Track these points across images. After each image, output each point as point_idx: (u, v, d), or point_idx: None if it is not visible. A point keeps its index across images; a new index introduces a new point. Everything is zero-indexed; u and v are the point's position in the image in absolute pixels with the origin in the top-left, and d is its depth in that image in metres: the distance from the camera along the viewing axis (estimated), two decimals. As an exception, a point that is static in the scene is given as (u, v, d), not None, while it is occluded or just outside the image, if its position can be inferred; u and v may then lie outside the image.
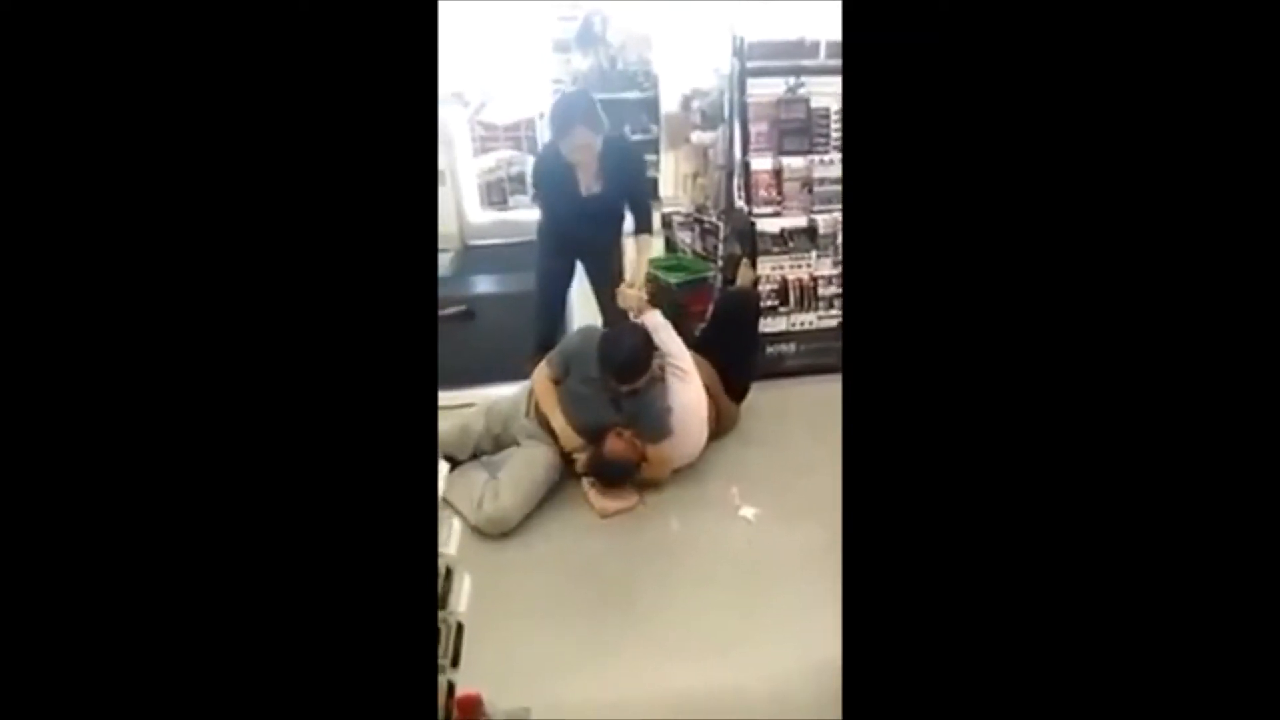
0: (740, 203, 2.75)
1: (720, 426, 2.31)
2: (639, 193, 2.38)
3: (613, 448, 2.01)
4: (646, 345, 2.06)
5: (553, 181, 2.27)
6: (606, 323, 2.37)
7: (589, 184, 2.24)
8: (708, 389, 2.19)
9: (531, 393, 2.14)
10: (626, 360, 2.00)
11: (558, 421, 2.04)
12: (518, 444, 2.09)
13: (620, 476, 2.03)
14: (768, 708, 1.35)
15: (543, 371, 2.14)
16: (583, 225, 2.33)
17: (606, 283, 2.38)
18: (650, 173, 4.84)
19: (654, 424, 2.06)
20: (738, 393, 2.41)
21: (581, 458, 2.04)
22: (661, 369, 2.11)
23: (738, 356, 2.38)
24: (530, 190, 2.46)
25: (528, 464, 1.99)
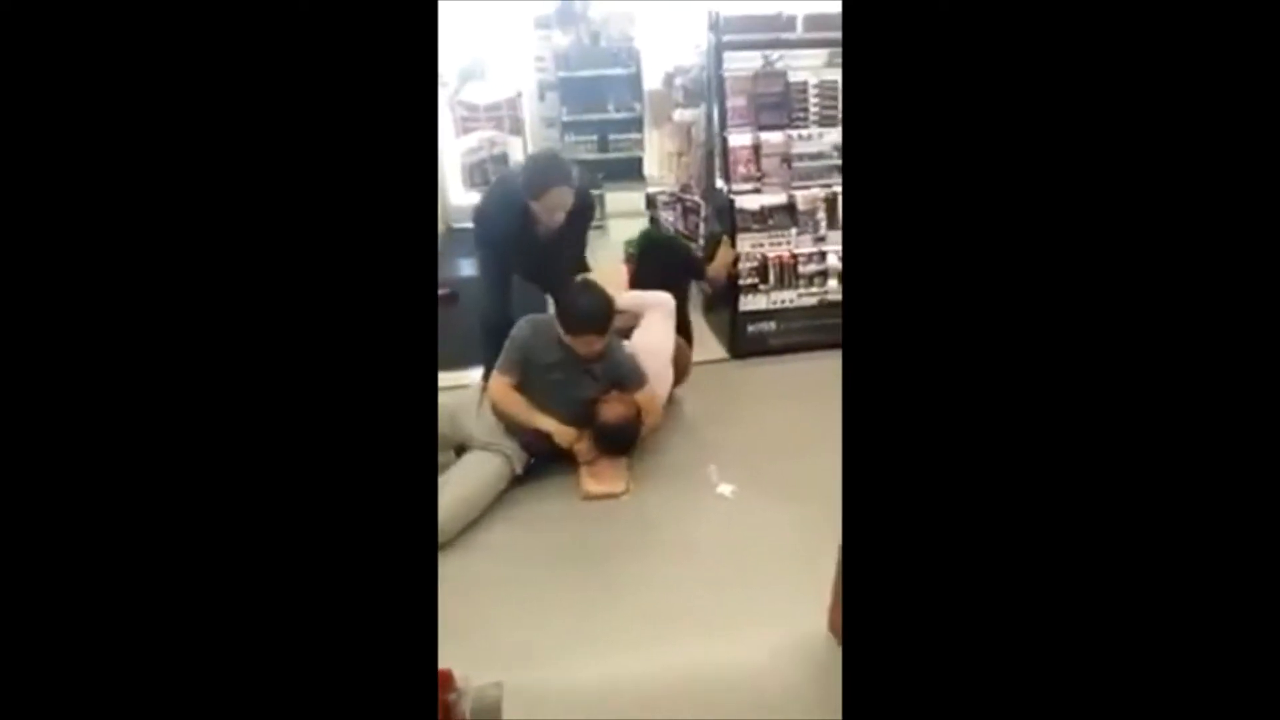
0: (720, 181, 2.73)
1: (678, 367, 2.35)
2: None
3: (613, 412, 2.00)
4: (603, 293, 2.04)
5: (504, 222, 2.20)
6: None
7: (549, 226, 2.20)
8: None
9: (484, 396, 2.08)
10: (590, 311, 1.97)
11: (548, 424, 2.00)
12: (467, 447, 2.03)
13: (630, 439, 2.03)
14: (744, 685, 1.35)
15: (500, 382, 2.02)
16: (533, 260, 2.30)
17: (557, 284, 2.36)
18: (635, 152, 4.84)
19: (631, 373, 2.08)
20: (681, 332, 2.44)
21: (581, 447, 2.02)
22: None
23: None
24: (475, 223, 2.39)
25: (474, 477, 1.91)
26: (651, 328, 2.29)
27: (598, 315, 1.97)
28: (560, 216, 2.16)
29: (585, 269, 2.44)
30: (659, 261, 2.55)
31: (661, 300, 2.33)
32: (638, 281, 2.51)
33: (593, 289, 2.06)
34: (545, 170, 2.13)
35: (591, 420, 2.01)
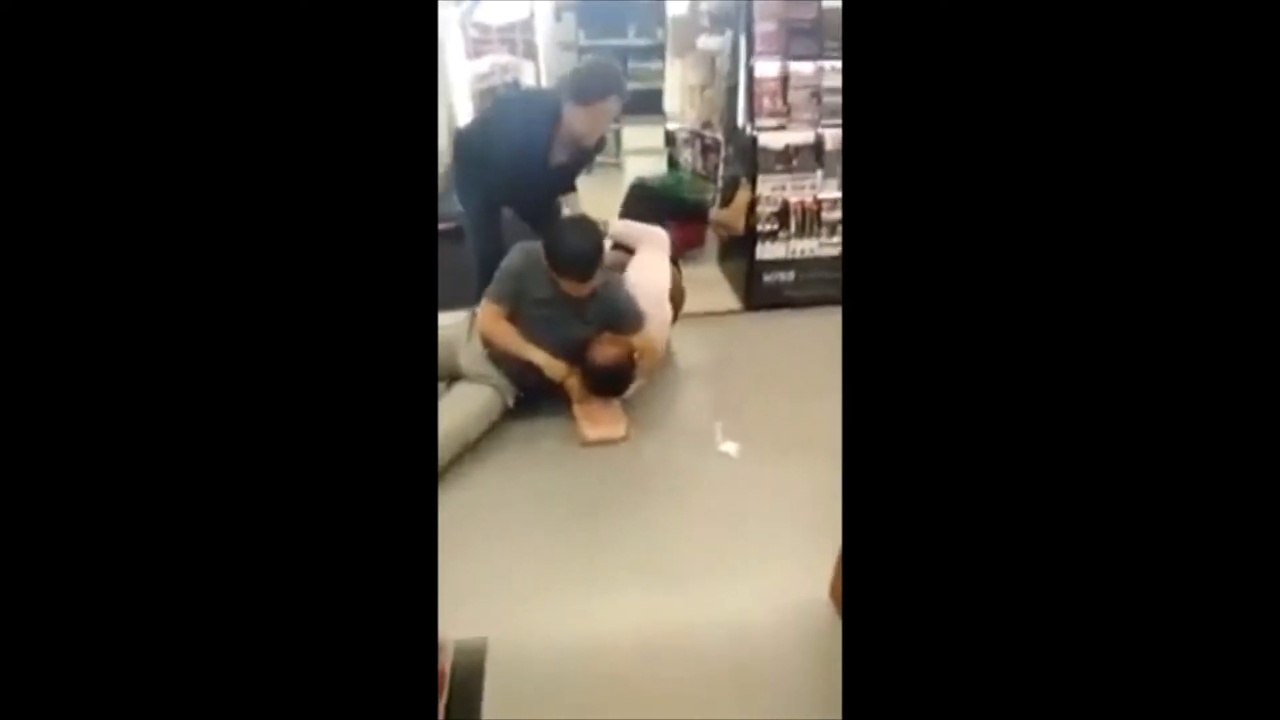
0: (742, 120, 2.52)
1: (673, 299, 2.24)
2: None
3: (604, 354, 1.91)
4: (595, 232, 1.90)
5: (509, 145, 2.00)
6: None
7: (582, 144, 2.04)
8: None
9: (472, 329, 2.00)
10: (579, 253, 1.82)
11: (538, 356, 1.91)
12: (460, 377, 1.97)
13: (624, 380, 1.95)
14: (732, 646, 1.32)
15: (490, 311, 1.91)
16: (530, 190, 2.15)
17: (546, 221, 2.23)
18: (655, 83, 4.55)
19: (627, 314, 1.98)
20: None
21: (572, 383, 1.94)
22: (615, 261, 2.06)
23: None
24: (458, 150, 2.17)
25: (463, 410, 1.84)
26: (645, 266, 2.17)
27: (583, 258, 1.83)
28: (599, 132, 2.02)
29: (573, 188, 2.29)
30: (649, 213, 2.41)
31: (654, 234, 2.21)
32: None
33: (584, 227, 1.90)
34: (601, 76, 1.94)
35: (582, 360, 1.92)
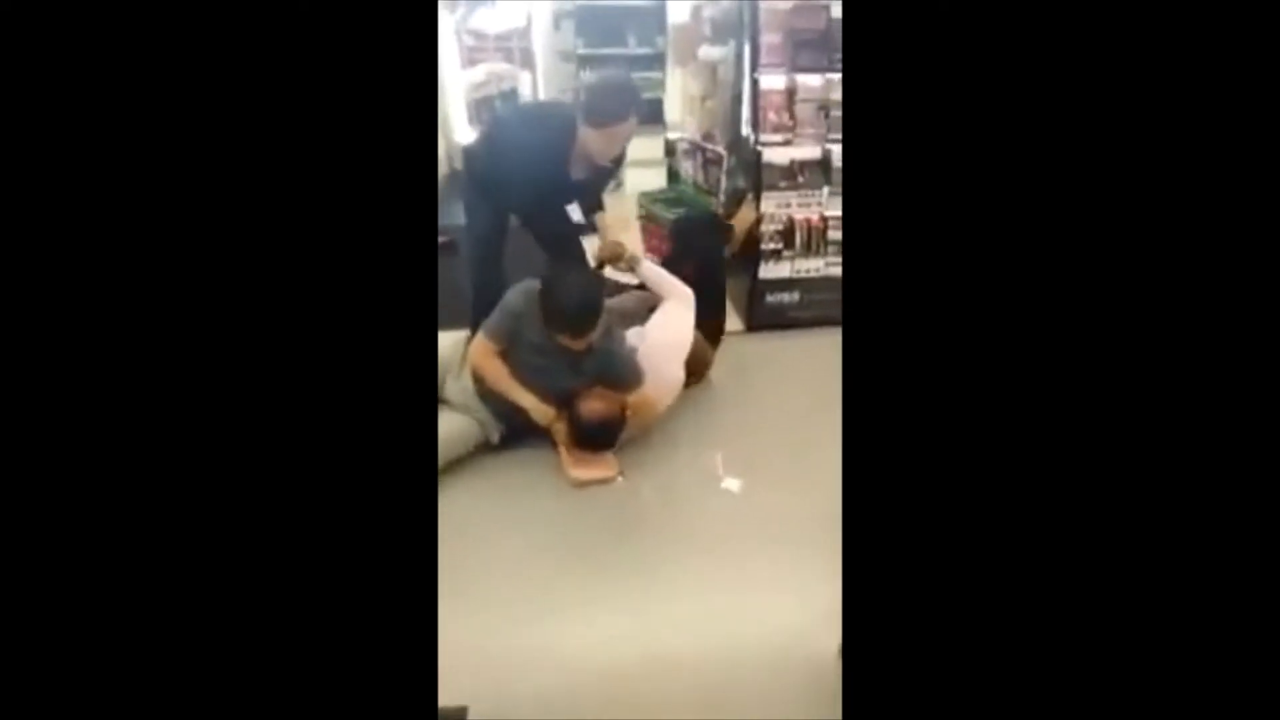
0: (747, 131, 2.42)
1: (693, 369, 2.10)
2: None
3: (591, 409, 1.80)
4: (594, 290, 1.78)
5: (526, 163, 1.90)
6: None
7: (597, 165, 1.94)
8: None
9: (464, 359, 1.91)
10: (574, 313, 1.71)
11: (526, 399, 1.81)
12: (443, 401, 1.88)
13: (610, 438, 1.84)
14: (723, 686, 1.25)
15: (483, 347, 1.81)
16: (548, 210, 2.06)
17: (563, 244, 2.14)
18: (655, 93, 4.46)
19: (624, 372, 1.87)
20: (709, 329, 2.20)
21: (560, 428, 1.84)
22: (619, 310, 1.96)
23: (703, 289, 2.13)
24: (468, 166, 2.08)
25: (442, 433, 1.76)
26: (670, 322, 2.04)
27: (577, 318, 1.72)
28: (615, 152, 1.91)
29: (600, 206, 2.17)
30: (699, 245, 2.27)
31: (682, 292, 2.08)
32: (674, 263, 2.22)
33: (585, 283, 1.78)
34: (618, 95, 1.82)
35: (571, 408, 1.83)
